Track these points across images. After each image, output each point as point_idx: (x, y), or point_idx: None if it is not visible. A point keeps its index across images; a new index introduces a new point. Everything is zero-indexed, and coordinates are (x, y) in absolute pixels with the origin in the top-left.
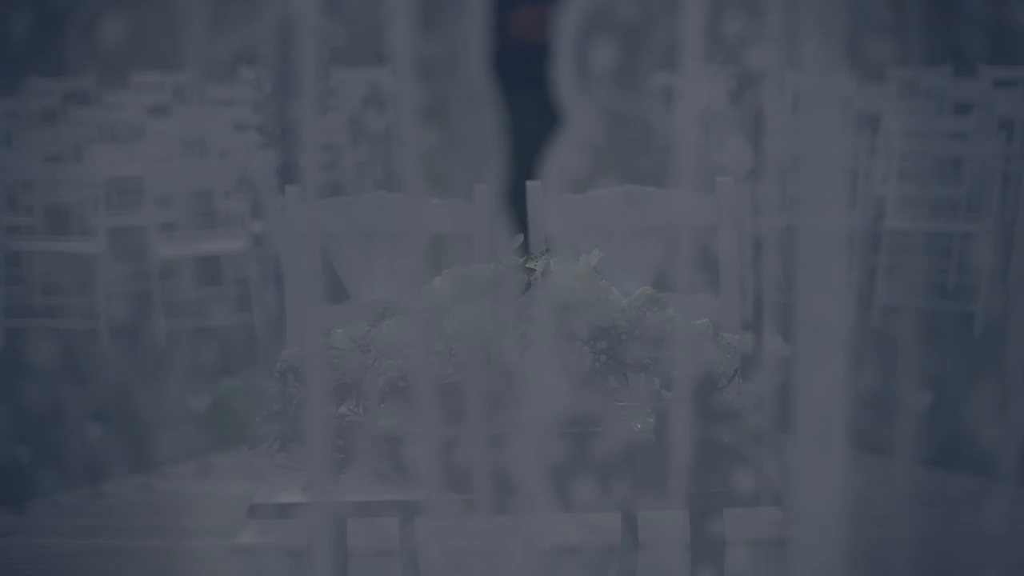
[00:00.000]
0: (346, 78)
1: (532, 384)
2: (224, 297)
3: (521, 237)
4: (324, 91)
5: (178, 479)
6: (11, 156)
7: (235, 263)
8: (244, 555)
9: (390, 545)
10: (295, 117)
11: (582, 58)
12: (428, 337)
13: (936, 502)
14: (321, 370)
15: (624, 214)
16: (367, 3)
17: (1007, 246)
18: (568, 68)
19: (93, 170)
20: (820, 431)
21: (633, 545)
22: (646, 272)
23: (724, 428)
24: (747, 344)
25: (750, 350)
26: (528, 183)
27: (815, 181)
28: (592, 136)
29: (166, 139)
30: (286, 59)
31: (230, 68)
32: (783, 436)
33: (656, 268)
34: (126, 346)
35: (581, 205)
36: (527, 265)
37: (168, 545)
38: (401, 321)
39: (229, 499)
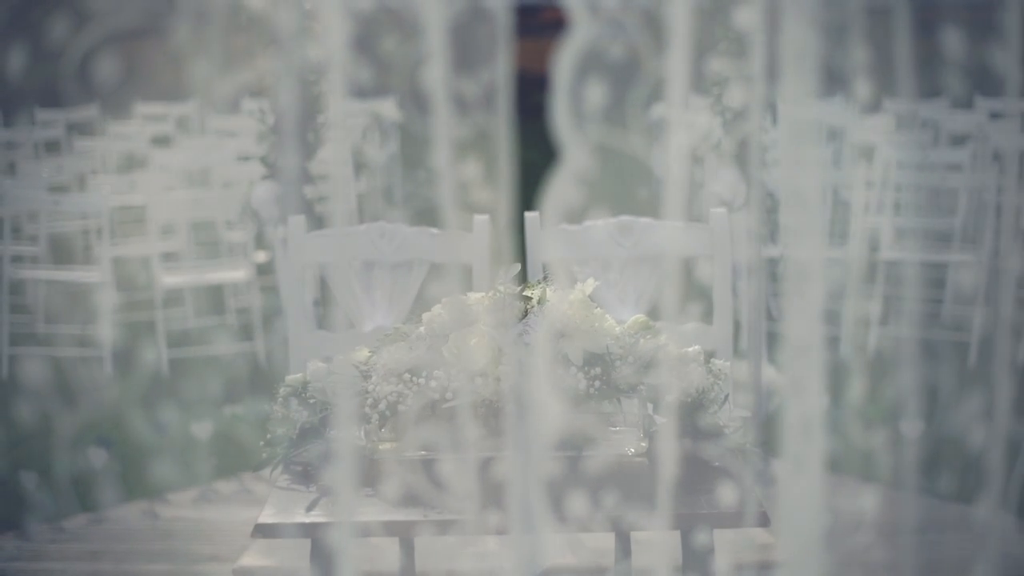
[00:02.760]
0: (346, 109)
1: (529, 408)
2: (226, 326)
3: (519, 266)
4: (324, 123)
5: (181, 505)
6: (16, 186)
7: (237, 292)
8: None
9: (390, 566)
10: (297, 149)
11: (578, 93)
12: (428, 363)
13: (931, 529)
14: (324, 395)
15: (619, 244)
16: (368, 36)
17: (1001, 276)
18: (565, 103)
19: (96, 200)
20: (813, 458)
21: (626, 565)
22: (641, 301)
23: (714, 452)
24: (741, 372)
25: (744, 378)
26: (526, 214)
27: (810, 212)
28: (589, 169)
29: (169, 169)
30: (289, 92)
31: (233, 100)
32: (776, 462)
33: (650, 297)
34: (129, 374)
35: (578, 235)
36: (524, 293)
37: (171, 570)
38: (401, 347)
39: (231, 525)
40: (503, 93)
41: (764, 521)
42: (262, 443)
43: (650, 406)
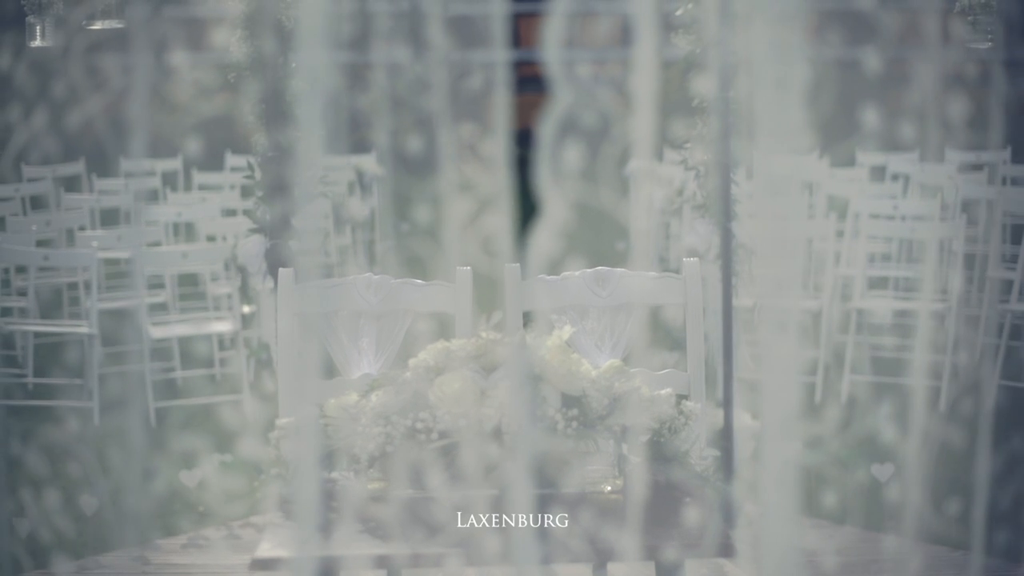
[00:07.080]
0: (331, 164)
1: (509, 448)
2: (212, 377)
3: (500, 315)
4: (312, 178)
5: (170, 552)
6: (4, 240)
7: (223, 344)
8: None
9: None
10: (285, 204)
11: (558, 152)
12: (414, 406)
13: (902, 570)
14: (313, 438)
15: (596, 294)
16: (352, 91)
17: (971, 325)
18: (544, 162)
19: (84, 254)
20: (783, 499)
21: None
22: (616, 347)
23: (684, 486)
24: (715, 418)
25: (719, 424)
26: (506, 265)
27: (784, 263)
28: (567, 222)
29: (155, 224)
30: (278, 147)
31: (218, 155)
32: (747, 502)
33: (627, 345)
34: (118, 425)
35: (556, 285)
36: (505, 340)
37: None
38: (389, 391)
39: (220, 570)
40: (486, 148)
41: (730, 552)
42: (256, 483)
43: (624, 445)
